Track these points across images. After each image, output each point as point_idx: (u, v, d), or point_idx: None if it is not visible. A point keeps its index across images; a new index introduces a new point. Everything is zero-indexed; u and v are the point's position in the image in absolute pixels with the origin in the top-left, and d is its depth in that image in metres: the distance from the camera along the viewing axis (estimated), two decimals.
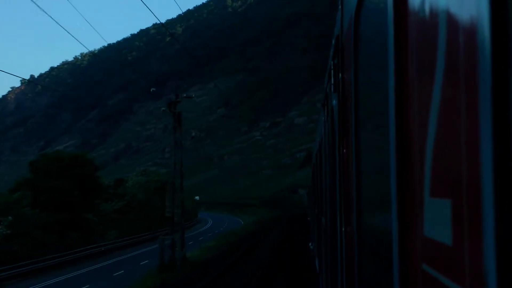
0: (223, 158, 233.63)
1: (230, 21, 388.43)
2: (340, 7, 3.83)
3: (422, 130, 1.49)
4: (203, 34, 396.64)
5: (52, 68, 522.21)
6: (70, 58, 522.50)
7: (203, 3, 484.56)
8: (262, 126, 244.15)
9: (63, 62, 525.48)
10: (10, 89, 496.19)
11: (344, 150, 3.60)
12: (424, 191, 1.49)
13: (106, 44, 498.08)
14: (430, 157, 1.43)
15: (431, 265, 1.43)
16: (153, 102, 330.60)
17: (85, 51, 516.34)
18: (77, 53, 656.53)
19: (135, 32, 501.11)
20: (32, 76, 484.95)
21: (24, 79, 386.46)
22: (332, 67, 4.57)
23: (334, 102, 4.35)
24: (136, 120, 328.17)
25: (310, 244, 15.75)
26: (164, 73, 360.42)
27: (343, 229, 3.69)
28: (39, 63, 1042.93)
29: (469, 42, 1.10)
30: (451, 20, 1.25)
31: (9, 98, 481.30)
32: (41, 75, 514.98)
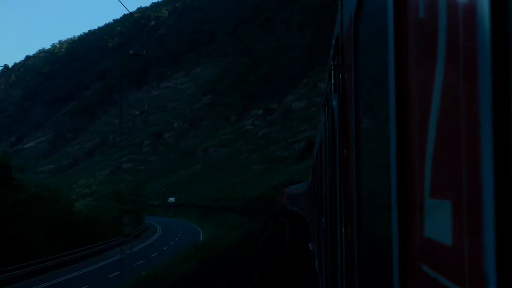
0: (207, 152, 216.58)
1: (221, 2, 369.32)
2: (339, 7, 3.97)
3: (423, 130, 1.53)
4: (191, 17, 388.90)
5: (27, 57, 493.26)
6: (48, 46, 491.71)
7: None
8: (254, 114, 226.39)
9: (39, 50, 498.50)
10: None
11: (344, 151, 3.75)
12: (424, 192, 1.52)
13: (86, 31, 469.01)
14: (430, 157, 1.46)
15: (431, 266, 1.45)
16: (134, 91, 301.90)
17: (63, 38, 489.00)
18: (55, 40, 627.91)
19: (118, 18, 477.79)
20: (6, 65, 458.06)
21: None
22: (332, 68, 4.70)
23: (335, 102, 4.44)
24: (115, 111, 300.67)
25: (309, 245, 15.94)
26: (147, 60, 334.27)
27: (343, 229, 3.83)
28: (14, 52, 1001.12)
29: (470, 43, 1.12)
30: (451, 20, 1.28)
31: None
32: (15, 65, 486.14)
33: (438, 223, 1.38)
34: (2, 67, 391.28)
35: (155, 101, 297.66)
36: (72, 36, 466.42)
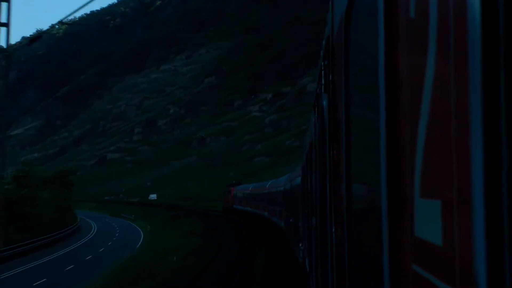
0: (204, 141, 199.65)
1: None
2: (330, 7, 4.10)
3: (413, 131, 1.57)
4: None
5: (23, 38, 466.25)
6: (46, 27, 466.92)
7: None
8: (262, 98, 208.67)
9: (37, 31, 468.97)
10: None
11: (335, 151, 3.91)
12: (414, 192, 1.56)
13: (88, 12, 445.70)
14: (420, 157, 1.50)
15: (422, 266, 1.49)
16: (131, 75, 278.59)
17: (63, 18, 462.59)
18: (54, 21, 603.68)
19: None
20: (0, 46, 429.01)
21: None
22: (322, 68, 4.85)
23: (325, 103, 4.63)
24: (110, 97, 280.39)
25: (300, 245, 15.96)
26: (149, 41, 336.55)
27: (333, 230, 3.99)
28: (11, 32, 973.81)
29: (461, 43, 1.15)
30: (442, 20, 1.32)
31: None
32: (10, 46, 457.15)
33: (428, 223, 1.42)
34: None
35: (152, 85, 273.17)
36: (73, 17, 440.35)
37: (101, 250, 58.40)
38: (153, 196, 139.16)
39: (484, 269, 1.03)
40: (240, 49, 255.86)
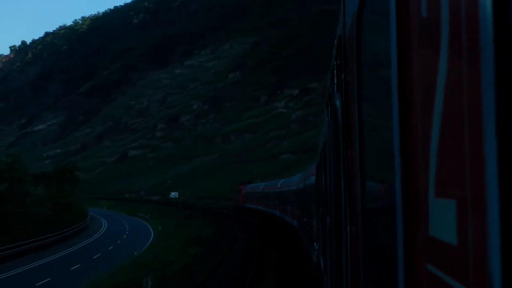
0: (228, 138, 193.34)
1: None
2: (342, 7, 4.17)
3: (426, 130, 1.58)
4: None
5: (47, 34, 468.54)
6: (69, 22, 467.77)
7: None
8: (288, 93, 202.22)
9: (60, 26, 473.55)
10: None
11: (348, 150, 3.97)
12: (429, 191, 1.57)
13: (112, 7, 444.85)
14: (434, 157, 1.51)
15: (436, 265, 1.51)
16: (155, 71, 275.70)
17: (87, 14, 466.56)
18: (78, 16, 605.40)
19: None
20: (23, 42, 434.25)
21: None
22: (335, 67, 4.92)
23: (338, 102, 4.68)
24: (133, 93, 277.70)
25: (315, 244, 16.04)
26: (173, 36, 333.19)
27: (348, 229, 4.04)
28: (34, 28, 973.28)
29: (473, 41, 1.16)
30: (454, 19, 1.33)
31: None
32: (33, 42, 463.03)
33: (443, 222, 1.43)
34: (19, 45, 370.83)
35: (176, 81, 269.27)
36: (96, 12, 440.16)
37: (95, 256, 52.80)
38: (174, 194, 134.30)
39: (499, 269, 1.03)
40: (265, 43, 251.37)
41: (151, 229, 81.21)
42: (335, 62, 4.94)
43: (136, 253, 51.66)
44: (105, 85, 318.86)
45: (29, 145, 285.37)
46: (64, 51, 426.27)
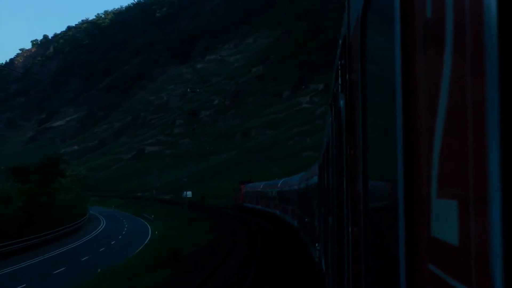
0: (249, 134, 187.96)
1: None
2: (346, 7, 4.24)
3: (430, 130, 1.60)
4: None
5: (69, 28, 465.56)
6: (92, 17, 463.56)
7: None
8: (313, 88, 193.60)
9: (82, 20, 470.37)
10: (19, 51, 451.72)
11: (352, 151, 4.02)
12: (431, 192, 1.59)
13: (135, 1, 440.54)
14: (437, 157, 1.53)
15: (438, 266, 1.52)
16: (176, 66, 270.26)
17: (111, 8, 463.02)
18: (101, 10, 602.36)
19: None
20: (45, 36, 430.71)
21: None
22: (339, 67, 4.97)
23: (342, 102, 4.75)
24: (154, 88, 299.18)
25: (316, 245, 16.10)
26: (196, 31, 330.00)
27: (350, 229, 4.09)
28: (56, 22, 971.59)
29: (478, 41, 1.17)
30: (458, 19, 1.34)
31: (16, 62, 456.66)
32: (55, 36, 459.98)
33: (445, 223, 1.45)
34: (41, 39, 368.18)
35: (197, 75, 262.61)
36: (120, 7, 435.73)
37: (57, 271, 44.12)
38: (188, 194, 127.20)
39: (501, 269, 1.04)
40: (289, 36, 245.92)
41: (149, 232, 74.07)
42: (339, 62, 4.98)
43: (99, 270, 42.51)
44: (125, 80, 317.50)
45: (48, 141, 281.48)
46: (85, 46, 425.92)
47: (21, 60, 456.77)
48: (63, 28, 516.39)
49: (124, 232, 75.34)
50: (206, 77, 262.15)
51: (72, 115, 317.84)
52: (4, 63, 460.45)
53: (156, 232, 71.03)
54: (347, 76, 4.17)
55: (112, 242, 62.71)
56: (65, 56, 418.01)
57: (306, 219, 23.65)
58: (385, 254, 2.55)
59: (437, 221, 1.54)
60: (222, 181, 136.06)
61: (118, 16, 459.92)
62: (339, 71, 4.86)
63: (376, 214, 2.92)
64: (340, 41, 4.82)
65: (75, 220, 79.67)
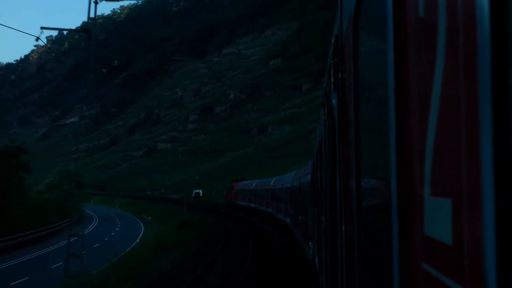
0: (265, 130, 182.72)
1: None
2: (339, 5, 4.28)
3: (422, 129, 1.61)
4: None
5: (84, 23, 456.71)
6: (108, 12, 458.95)
7: None
8: None
9: (98, 15, 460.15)
10: (34, 48, 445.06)
11: (344, 149, 4.06)
12: (424, 190, 1.60)
13: None
14: (430, 156, 1.54)
15: (431, 264, 1.53)
16: (192, 60, 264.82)
17: (126, 3, 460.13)
18: (117, 5, 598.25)
19: None
20: (60, 32, 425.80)
21: (39, 37, 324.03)
22: (332, 66, 5.04)
23: (334, 101, 4.81)
24: (169, 83, 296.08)
25: (310, 243, 16.25)
26: (213, 25, 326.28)
27: (343, 228, 4.14)
28: (71, 17, 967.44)
29: (470, 41, 1.18)
30: (451, 18, 1.35)
31: (31, 58, 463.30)
32: (70, 32, 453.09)
33: (438, 221, 1.46)
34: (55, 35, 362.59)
35: (213, 70, 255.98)
36: (136, 1, 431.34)
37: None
38: (197, 191, 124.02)
39: (494, 268, 1.05)
40: (309, 28, 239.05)
41: (136, 240, 65.31)
42: (331, 61, 5.01)
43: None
44: (140, 75, 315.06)
45: (61, 138, 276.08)
46: (100, 41, 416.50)
47: (35, 56, 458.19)
48: (79, 24, 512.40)
49: (107, 239, 67.18)
50: (222, 72, 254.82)
51: (86, 111, 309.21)
52: (18, 59, 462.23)
53: (138, 241, 63.48)
54: (340, 75, 4.21)
55: (83, 252, 52.71)
56: (80, 52, 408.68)
57: (299, 217, 23.91)
58: (379, 252, 2.54)
59: (430, 219, 1.55)
60: (238, 178, 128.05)
61: (134, 11, 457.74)
62: (332, 70, 4.92)
63: (369, 212, 2.93)
64: (333, 40, 4.88)
65: (56, 222, 72.48)
